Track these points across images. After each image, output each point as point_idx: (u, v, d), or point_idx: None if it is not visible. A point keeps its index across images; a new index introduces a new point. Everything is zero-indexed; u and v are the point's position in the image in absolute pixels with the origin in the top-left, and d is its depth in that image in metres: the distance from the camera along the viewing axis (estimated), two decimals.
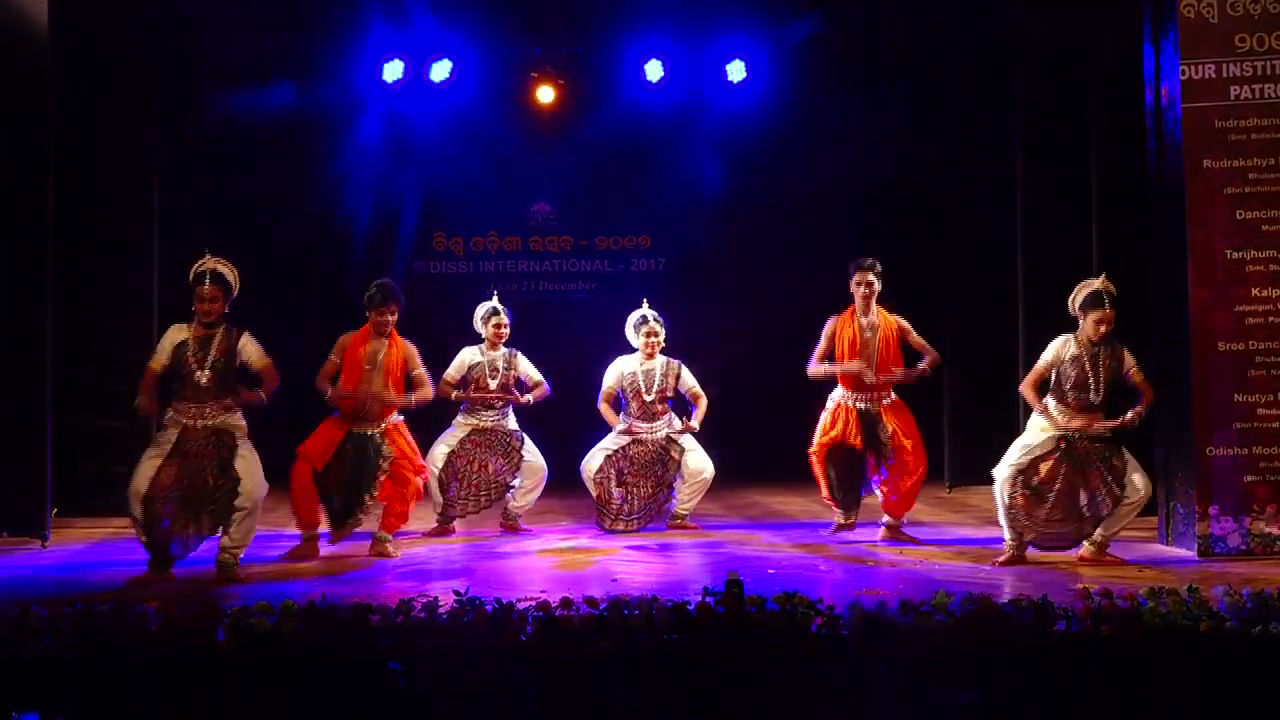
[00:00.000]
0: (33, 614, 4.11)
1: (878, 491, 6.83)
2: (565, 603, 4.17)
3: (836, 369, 6.75)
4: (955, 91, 9.56)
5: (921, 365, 6.75)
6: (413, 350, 6.64)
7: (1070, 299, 6.13)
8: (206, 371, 5.76)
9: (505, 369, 7.27)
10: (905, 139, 10.01)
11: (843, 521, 6.86)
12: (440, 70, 9.83)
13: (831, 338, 6.79)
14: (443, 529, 7.13)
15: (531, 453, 7.25)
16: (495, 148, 10.62)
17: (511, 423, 7.32)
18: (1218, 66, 6.30)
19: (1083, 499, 5.96)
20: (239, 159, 9.80)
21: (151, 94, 8.49)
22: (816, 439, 6.86)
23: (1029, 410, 6.26)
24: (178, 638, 4.01)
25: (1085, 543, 6.03)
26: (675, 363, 7.40)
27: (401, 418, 6.60)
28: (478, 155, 10.60)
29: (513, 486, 7.22)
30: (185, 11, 8.60)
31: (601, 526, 7.19)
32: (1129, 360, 6.03)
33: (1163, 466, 6.51)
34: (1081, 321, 6.06)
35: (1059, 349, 6.09)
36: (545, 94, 10.38)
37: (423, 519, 7.16)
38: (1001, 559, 6.01)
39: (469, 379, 7.26)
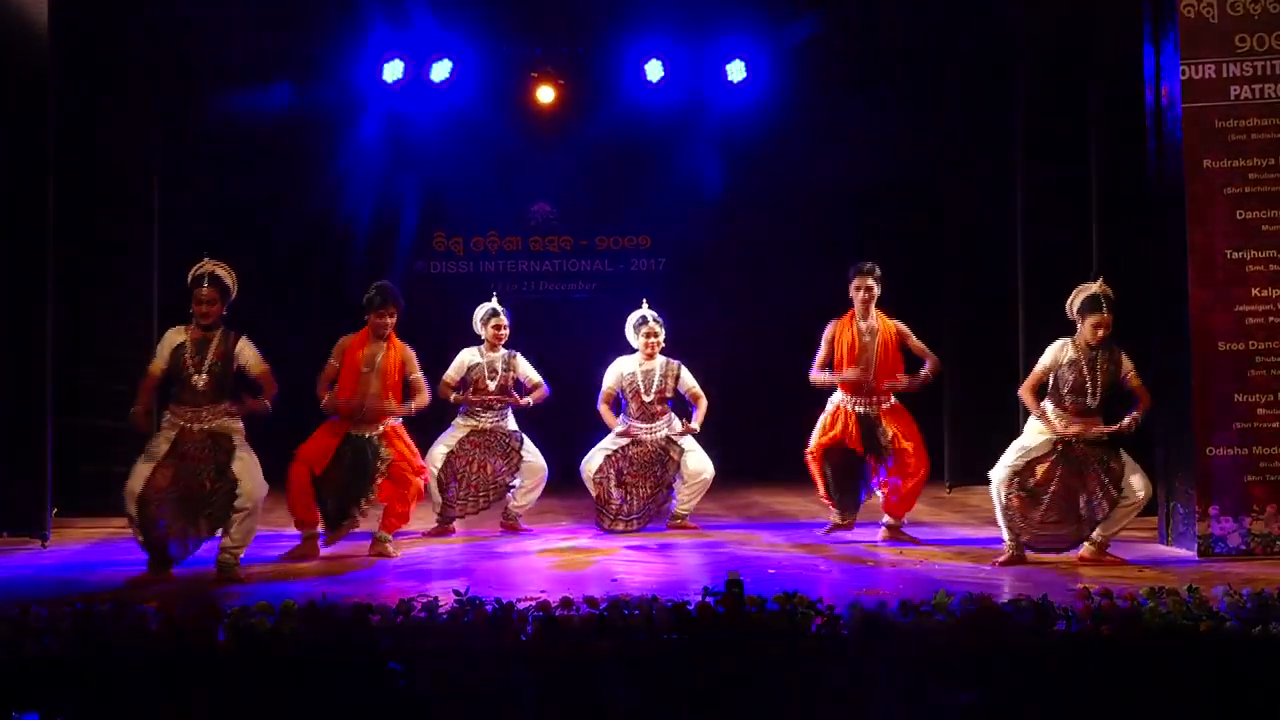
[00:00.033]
0: (33, 614, 4.11)
1: (878, 492, 6.83)
2: (565, 603, 4.17)
3: (835, 379, 6.75)
4: (955, 91, 9.56)
5: (924, 372, 6.73)
6: (411, 354, 6.62)
7: (1068, 303, 6.12)
8: (204, 375, 5.76)
9: (504, 370, 7.27)
10: (905, 139, 10.01)
11: (839, 521, 6.85)
12: (440, 70, 9.83)
13: (831, 343, 6.79)
14: (443, 529, 7.13)
15: (531, 453, 7.25)
16: (495, 148, 10.62)
17: (511, 423, 7.32)
18: (1218, 66, 6.30)
19: (1080, 502, 5.96)
20: (239, 159, 9.80)
21: (151, 94, 8.49)
22: (814, 439, 6.86)
23: (1028, 412, 6.26)
24: (178, 638, 4.01)
25: (1085, 543, 6.03)
26: (675, 363, 7.39)
27: (400, 419, 6.60)
28: (478, 155, 10.61)
29: (512, 487, 7.22)
30: (185, 11, 8.60)
31: (601, 526, 7.19)
32: (1127, 365, 6.03)
33: (1163, 466, 6.51)
34: (1079, 326, 6.06)
35: (1057, 353, 6.09)
36: (545, 94, 10.38)
37: (423, 519, 7.15)
38: (1001, 559, 6.01)
39: (468, 380, 7.26)
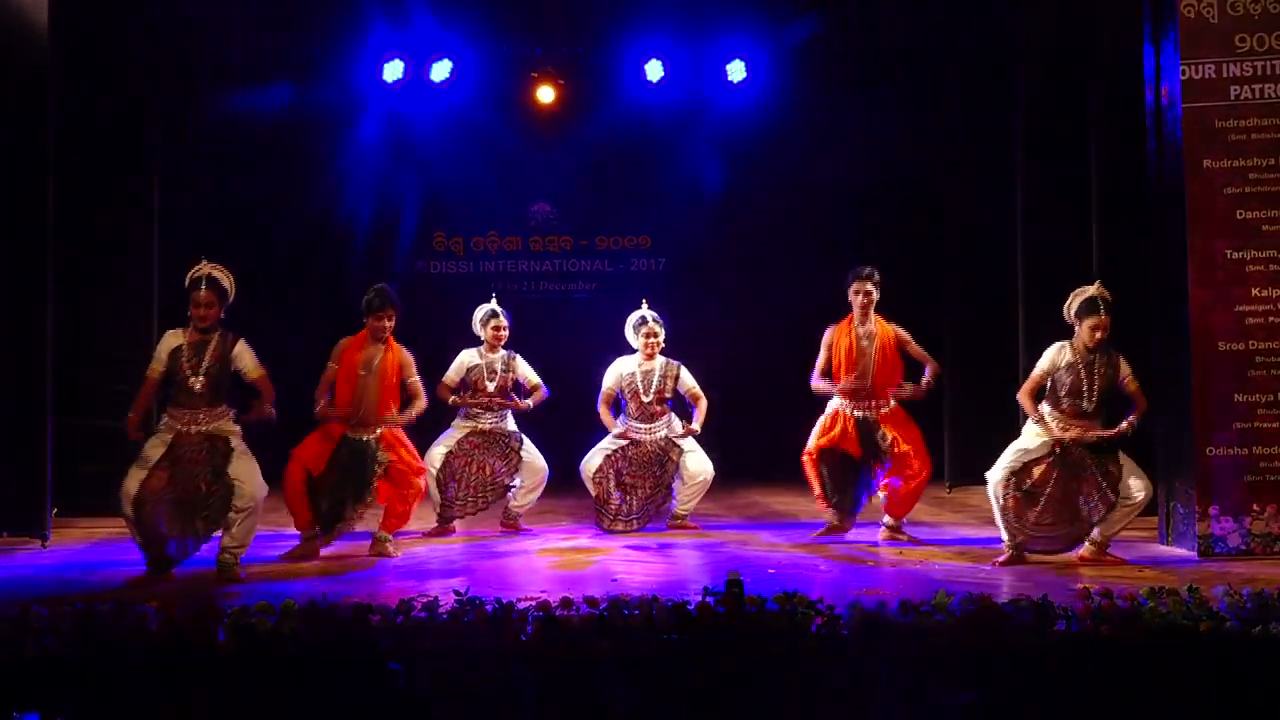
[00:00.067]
0: (33, 614, 4.12)
1: (879, 494, 6.83)
2: (565, 603, 4.17)
3: (834, 389, 6.75)
4: (955, 91, 9.56)
5: (925, 379, 6.71)
6: (409, 358, 6.61)
7: (1065, 306, 6.13)
8: (201, 378, 5.75)
9: (504, 371, 7.26)
10: (905, 139, 10.01)
11: (835, 524, 6.84)
12: (440, 70, 9.83)
13: (830, 348, 6.79)
14: (443, 529, 7.13)
15: (531, 453, 7.25)
16: (495, 148, 10.62)
17: (510, 424, 7.31)
18: (1218, 66, 6.30)
19: (1078, 504, 5.96)
20: (239, 159, 9.79)
21: (151, 94, 8.49)
22: (812, 441, 6.85)
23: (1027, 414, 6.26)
24: (178, 638, 4.01)
25: (1085, 543, 6.03)
26: (674, 364, 7.39)
27: None
28: (478, 155, 10.60)
29: (512, 487, 7.22)
30: (185, 11, 8.60)
31: (601, 526, 7.19)
32: (1124, 368, 6.03)
33: (1162, 466, 6.51)
34: (1077, 328, 6.06)
35: (1055, 356, 6.09)
36: (545, 94, 10.38)
37: (423, 519, 7.15)
38: (1001, 559, 6.01)
39: (468, 381, 7.25)
